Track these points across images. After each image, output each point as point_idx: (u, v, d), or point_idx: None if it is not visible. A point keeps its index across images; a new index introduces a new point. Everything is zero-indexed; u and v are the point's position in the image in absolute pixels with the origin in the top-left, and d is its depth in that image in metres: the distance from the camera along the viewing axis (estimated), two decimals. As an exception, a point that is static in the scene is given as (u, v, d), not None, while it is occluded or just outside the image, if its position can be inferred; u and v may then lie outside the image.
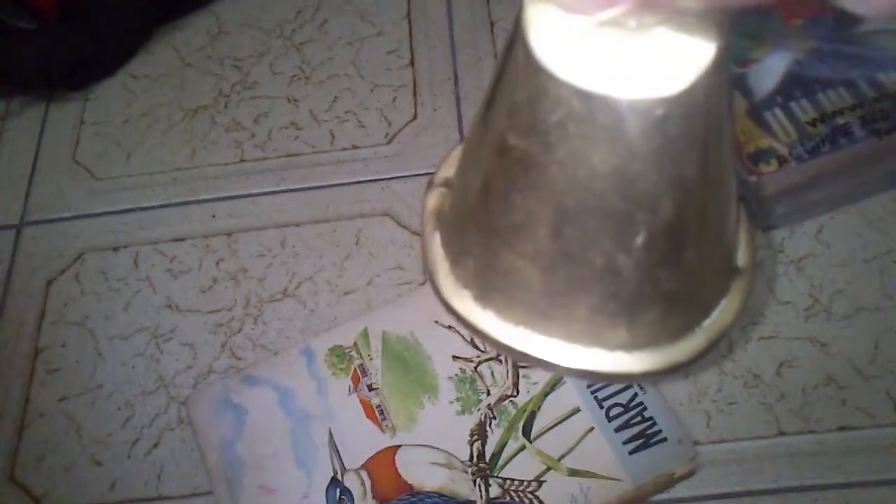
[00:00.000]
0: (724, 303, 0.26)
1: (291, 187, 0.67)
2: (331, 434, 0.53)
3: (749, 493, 0.51)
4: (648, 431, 0.51)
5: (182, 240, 0.65)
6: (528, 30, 0.19)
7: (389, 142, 0.68)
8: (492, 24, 0.73)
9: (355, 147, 0.68)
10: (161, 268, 0.64)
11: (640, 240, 0.22)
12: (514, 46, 0.20)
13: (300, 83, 0.72)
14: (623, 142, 0.19)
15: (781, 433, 0.53)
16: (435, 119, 0.69)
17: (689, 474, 0.51)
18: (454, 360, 0.54)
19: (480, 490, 0.50)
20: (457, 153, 0.28)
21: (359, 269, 0.62)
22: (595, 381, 0.26)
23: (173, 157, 0.70)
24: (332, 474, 0.51)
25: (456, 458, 0.51)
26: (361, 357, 0.55)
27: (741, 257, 0.27)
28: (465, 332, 0.52)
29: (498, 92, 0.23)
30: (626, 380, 0.28)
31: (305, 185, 0.67)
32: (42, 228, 0.67)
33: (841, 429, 0.53)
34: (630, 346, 0.25)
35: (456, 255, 0.27)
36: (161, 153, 0.70)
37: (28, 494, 0.56)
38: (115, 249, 0.65)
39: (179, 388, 0.59)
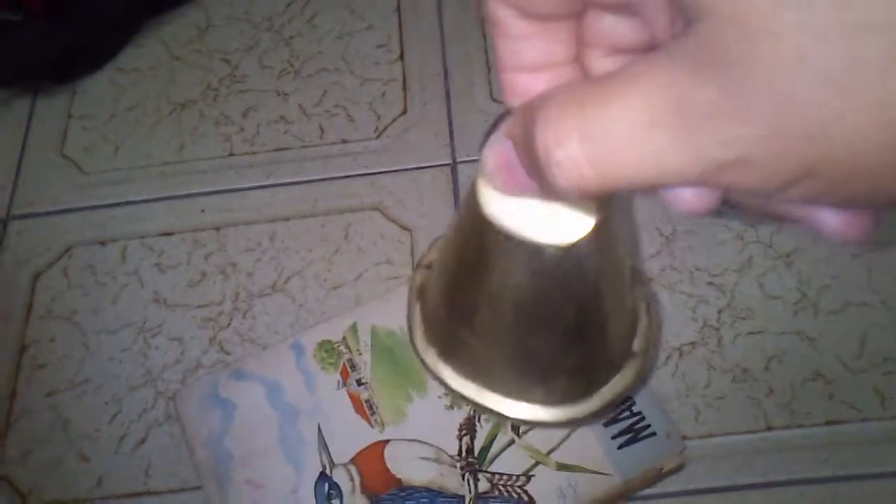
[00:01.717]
0: (618, 377, 0.35)
1: (280, 181, 0.66)
2: (319, 429, 0.52)
3: (737, 488, 0.51)
4: (637, 426, 0.51)
5: (170, 234, 0.65)
6: (479, 191, 0.27)
7: (379, 136, 0.68)
8: (482, 20, 0.73)
9: (344, 141, 0.68)
10: (149, 262, 0.64)
11: (550, 332, 0.31)
12: (470, 196, 0.28)
13: (289, 77, 0.72)
14: (535, 269, 0.27)
15: (769, 427, 0.53)
16: (424, 114, 0.69)
17: (678, 469, 0.52)
18: (443, 355, 0.54)
19: (469, 484, 0.50)
20: (440, 243, 0.36)
21: (348, 263, 0.62)
22: (525, 426, 0.40)
23: (161, 151, 0.69)
24: (320, 469, 0.51)
25: (445, 452, 0.51)
26: (350, 352, 0.55)
27: (637, 343, 0.36)
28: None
29: (461, 221, 0.30)
30: (544, 427, 0.39)
31: (294, 180, 0.66)
32: (29, 222, 0.67)
33: (828, 423, 0.53)
34: (545, 403, 0.35)
35: (428, 322, 0.36)
36: (149, 147, 0.70)
37: (14, 490, 0.56)
38: (103, 243, 0.65)
39: (167, 382, 0.58)
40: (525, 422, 0.35)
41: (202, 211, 0.66)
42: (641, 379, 0.36)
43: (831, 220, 0.21)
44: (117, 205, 0.67)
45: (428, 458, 0.51)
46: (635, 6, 0.20)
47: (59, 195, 0.68)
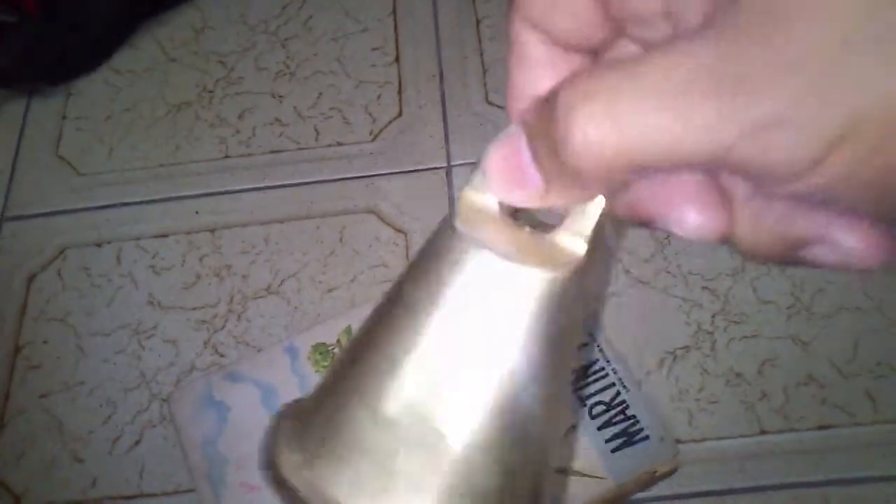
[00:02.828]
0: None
1: (275, 184, 0.66)
2: (314, 431, 0.52)
3: (730, 491, 0.52)
4: (631, 429, 0.51)
5: (165, 236, 0.65)
6: (457, 211, 0.24)
7: (374, 139, 0.68)
8: (477, 22, 0.73)
9: (340, 144, 0.68)
10: (144, 264, 0.64)
11: (475, 406, 0.24)
12: (442, 225, 0.25)
13: (285, 79, 0.72)
14: (494, 300, 0.23)
15: (763, 431, 0.53)
16: (420, 116, 0.69)
17: (671, 472, 0.52)
18: (438, 358, 0.54)
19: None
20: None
21: (343, 266, 0.62)
22: None
23: (156, 152, 0.69)
24: None
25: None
26: (345, 354, 0.55)
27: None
28: None
29: (418, 257, 0.26)
30: None
31: (289, 182, 0.66)
32: (23, 224, 0.67)
33: (821, 427, 0.53)
34: None
35: (301, 431, 0.27)
36: (144, 149, 0.70)
37: (8, 492, 0.55)
38: (98, 245, 0.65)
39: (161, 385, 0.58)
40: None
41: (197, 213, 0.66)
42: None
43: (848, 240, 0.20)
44: (112, 206, 0.67)
45: (422, 462, 0.51)
46: (672, 13, 0.20)
47: (54, 196, 0.68)
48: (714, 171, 0.20)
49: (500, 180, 0.23)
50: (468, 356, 0.24)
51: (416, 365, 0.24)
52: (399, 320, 0.25)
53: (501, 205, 0.24)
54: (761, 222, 0.21)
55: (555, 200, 0.23)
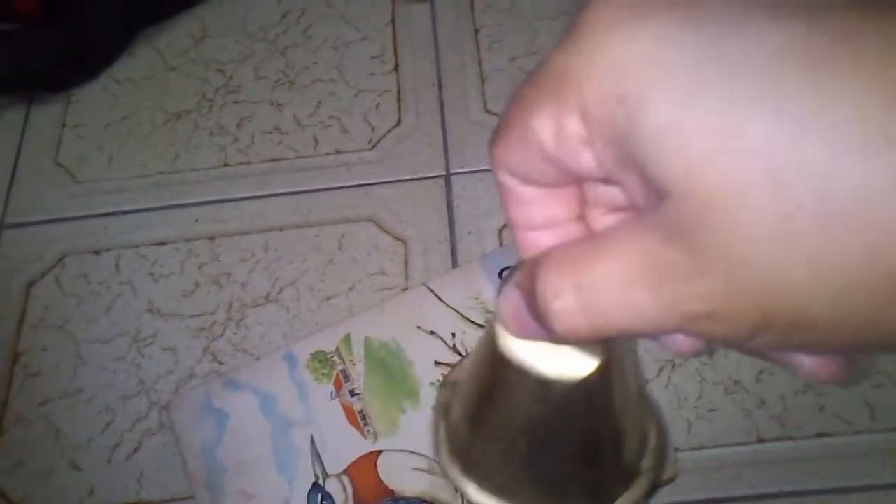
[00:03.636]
0: (626, 494, 0.38)
1: (274, 192, 0.67)
2: (312, 439, 0.53)
3: (729, 500, 0.52)
4: (629, 438, 0.51)
5: (164, 244, 0.65)
6: (497, 327, 0.30)
7: (373, 147, 0.68)
8: (476, 31, 0.73)
9: (339, 152, 0.68)
10: (143, 272, 0.64)
11: (560, 457, 0.34)
12: (489, 330, 0.31)
13: (284, 88, 0.72)
14: (544, 401, 0.30)
15: (761, 440, 0.53)
16: (419, 125, 0.69)
17: (670, 480, 0.52)
18: (436, 366, 0.54)
19: (462, 496, 0.50)
20: (465, 363, 0.39)
21: (341, 274, 0.62)
22: None
23: (156, 160, 0.69)
24: (313, 480, 0.51)
25: (437, 463, 0.51)
26: (344, 362, 0.55)
27: (645, 461, 0.38)
28: (447, 338, 0.57)
29: (482, 352, 0.33)
30: None
31: (288, 190, 0.67)
32: (23, 231, 0.67)
33: (819, 435, 0.53)
34: None
35: (451, 438, 0.39)
36: (143, 157, 0.70)
37: (6, 499, 0.55)
38: (97, 253, 0.65)
39: (160, 392, 0.58)
40: None
41: (196, 221, 0.66)
42: (649, 495, 0.39)
43: (806, 363, 0.24)
44: (111, 214, 0.67)
45: (421, 469, 0.51)
46: (616, 182, 0.23)
47: (53, 204, 0.68)
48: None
49: (513, 327, 0.27)
50: (540, 428, 0.32)
51: (510, 435, 0.34)
52: (489, 403, 0.33)
53: None
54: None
55: (558, 343, 0.26)
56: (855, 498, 0.51)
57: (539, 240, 0.26)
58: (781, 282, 0.19)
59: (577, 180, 0.25)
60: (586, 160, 0.22)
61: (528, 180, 0.25)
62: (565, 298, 0.22)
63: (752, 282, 0.19)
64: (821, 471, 0.52)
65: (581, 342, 0.25)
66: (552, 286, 0.23)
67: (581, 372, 0.29)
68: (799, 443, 0.53)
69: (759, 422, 0.54)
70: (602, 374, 0.29)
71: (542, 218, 0.26)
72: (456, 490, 0.40)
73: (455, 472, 0.38)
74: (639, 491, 0.37)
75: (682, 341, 0.25)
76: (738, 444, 0.53)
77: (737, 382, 0.55)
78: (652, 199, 0.21)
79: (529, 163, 0.24)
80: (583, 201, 0.26)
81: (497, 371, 0.31)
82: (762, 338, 0.20)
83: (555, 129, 0.22)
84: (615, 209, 0.26)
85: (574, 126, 0.22)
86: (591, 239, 0.23)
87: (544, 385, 0.29)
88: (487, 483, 0.37)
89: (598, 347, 0.29)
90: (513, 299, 0.26)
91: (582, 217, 0.26)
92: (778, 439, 0.53)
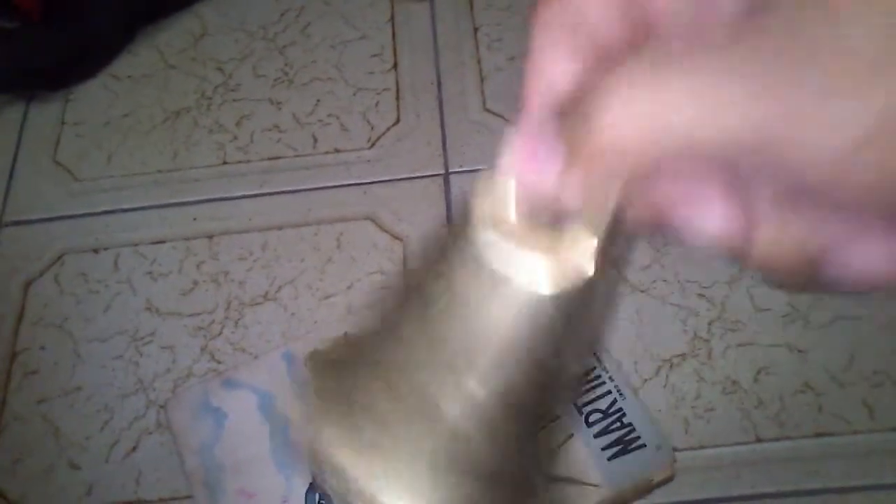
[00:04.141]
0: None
1: (273, 190, 0.67)
2: (310, 438, 0.52)
3: (727, 499, 0.52)
4: (627, 437, 0.51)
5: (162, 242, 0.65)
6: (473, 210, 0.24)
7: (372, 146, 0.68)
8: (475, 30, 0.73)
9: (337, 151, 0.68)
10: (141, 270, 0.64)
11: (477, 394, 0.26)
12: (460, 219, 0.25)
13: (283, 86, 0.72)
14: (498, 309, 0.24)
15: (759, 439, 0.53)
16: (417, 123, 0.69)
17: (668, 480, 0.52)
18: (435, 365, 0.54)
19: None
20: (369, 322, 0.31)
21: (340, 273, 0.62)
22: None
23: (155, 158, 0.69)
24: (311, 479, 0.51)
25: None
26: (342, 361, 0.55)
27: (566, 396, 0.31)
28: None
29: (435, 248, 0.27)
30: None
31: (287, 189, 0.67)
32: (21, 229, 0.67)
33: (818, 435, 0.53)
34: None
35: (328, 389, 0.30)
36: (142, 155, 0.70)
37: (4, 498, 0.55)
38: (96, 251, 0.65)
39: (159, 391, 0.58)
40: None
41: (195, 219, 0.66)
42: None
43: (873, 252, 0.20)
44: (110, 212, 0.67)
45: (419, 469, 0.51)
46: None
47: (52, 202, 0.68)
48: (739, 172, 0.20)
49: (520, 154, 0.22)
50: (471, 350, 0.25)
51: (426, 350, 0.26)
52: (417, 311, 0.26)
53: (516, 207, 0.24)
54: (785, 230, 0.20)
55: (571, 186, 0.22)
56: (854, 497, 0.51)
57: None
58: None
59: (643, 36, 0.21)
60: None
61: (567, 48, 0.22)
62: (641, 83, 0.18)
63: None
64: (820, 470, 0.52)
65: (607, 182, 0.21)
66: (627, 77, 0.19)
67: (555, 286, 0.24)
68: (797, 442, 0.53)
69: (757, 421, 0.54)
70: (571, 299, 0.24)
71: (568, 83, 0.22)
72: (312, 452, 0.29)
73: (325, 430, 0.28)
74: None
75: (714, 220, 0.20)
76: (737, 444, 0.53)
77: (735, 382, 0.55)
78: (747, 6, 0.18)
79: (576, 28, 0.21)
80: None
81: (444, 268, 0.25)
82: (883, 138, 0.16)
83: None
84: None
85: None
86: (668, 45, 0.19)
87: (505, 290, 0.24)
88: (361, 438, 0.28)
89: (590, 260, 0.24)
90: (532, 122, 0.22)
91: None
92: (776, 439, 0.53)
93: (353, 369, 0.29)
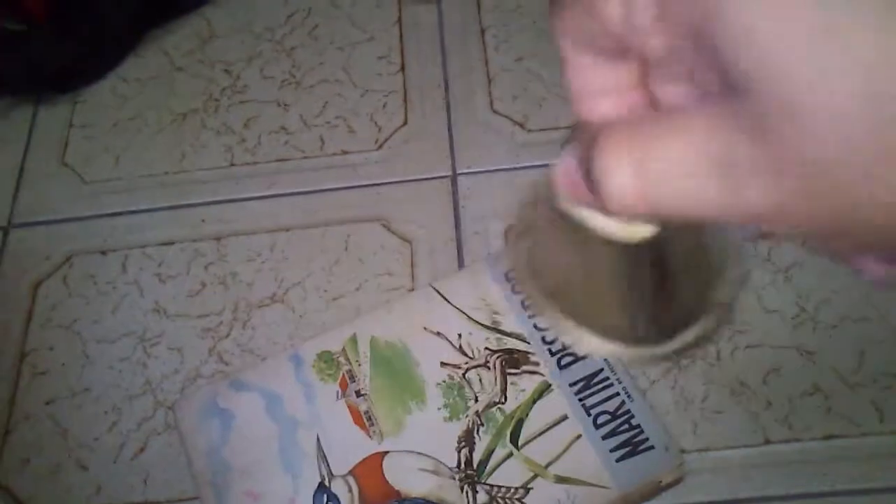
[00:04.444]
0: (699, 324, 0.36)
1: (281, 192, 0.67)
2: (318, 440, 0.53)
3: (736, 501, 0.51)
4: (636, 439, 0.51)
5: (171, 244, 0.65)
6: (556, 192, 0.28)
7: (379, 147, 0.68)
8: (482, 31, 0.73)
9: (345, 152, 0.68)
10: (149, 272, 0.64)
11: (637, 289, 0.32)
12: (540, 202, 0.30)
13: (290, 88, 0.72)
14: (612, 247, 0.29)
15: (768, 441, 0.53)
16: (425, 125, 0.69)
17: (676, 482, 0.52)
18: (442, 367, 0.54)
19: (468, 497, 0.50)
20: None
21: (348, 274, 0.62)
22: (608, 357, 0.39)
23: (162, 160, 0.69)
24: (319, 480, 0.51)
25: (443, 464, 0.51)
26: (350, 363, 0.55)
27: (720, 293, 0.36)
28: (453, 338, 0.57)
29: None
30: (623, 360, 0.39)
31: (295, 190, 0.67)
32: (30, 231, 0.67)
33: (827, 437, 0.53)
34: (642, 342, 0.35)
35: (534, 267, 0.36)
36: (150, 157, 0.70)
37: (13, 498, 0.56)
38: (104, 253, 0.65)
39: (167, 392, 0.58)
40: (604, 353, 0.36)
41: (203, 221, 0.66)
42: (721, 326, 0.36)
43: (872, 267, 0.23)
44: (118, 214, 0.67)
45: (427, 470, 0.51)
46: (685, 64, 0.22)
47: (60, 204, 0.68)
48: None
49: (565, 193, 0.26)
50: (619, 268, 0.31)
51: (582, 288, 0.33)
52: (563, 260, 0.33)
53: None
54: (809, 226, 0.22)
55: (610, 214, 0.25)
56: (863, 500, 0.51)
57: (599, 106, 0.26)
58: (866, 196, 0.18)
59: (641, 56, 0.24)
60: (653, 41, 0.22)
61: (589, 50, 0.24)
62: (623, 174, 0.22)
63: (830, 188, 0.18)
64: (829, 473, 0.52)
65: (633, 220, 0.25)
66: (612, 159, 0.22)
67: (637, 235, 0.28)
68: (806, 444, 0.53)
69: (765, 423, 0.54)
70: (658, 241, 0.29)
71: (602, 84, 0.25)
72: (523, 291, 0.37)
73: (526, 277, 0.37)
74: (716, 320, 0.36)
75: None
76: (745, 446, 0.53)
77: (743, 384, 0.55)
78: (726, 86, 0.20)
79: (592, 34, 0.23)
80: (644, 69, 0.25)
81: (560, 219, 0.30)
82: (831, 242, 0.20)
83: (624, 3, 0.21)
84: (678, 77, 0.24)
85: (645, 2, 0.21)
86: (657, 116, 0.22)
87: (603, 240, 0.29)
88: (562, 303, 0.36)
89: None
90: (569, 166, 0.25)
91: (644, 84, 0.25)
92: (785, 441, 0.53)
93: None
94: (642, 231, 0.28)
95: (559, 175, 0.26)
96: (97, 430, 0.58)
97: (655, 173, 0.21)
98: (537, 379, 0.53)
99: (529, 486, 0.50)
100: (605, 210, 0.24)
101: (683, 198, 0.21)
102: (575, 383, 0.53)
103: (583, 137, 0.24)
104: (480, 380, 0.54)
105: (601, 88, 0.25)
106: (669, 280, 0.33)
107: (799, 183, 0.19)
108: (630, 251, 0.29)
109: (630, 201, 0.22)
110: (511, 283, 0.58)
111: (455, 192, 0.65)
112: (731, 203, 0.20)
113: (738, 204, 0.20)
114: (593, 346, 0.35)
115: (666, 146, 0.21)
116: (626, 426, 0.51)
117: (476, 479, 0.51)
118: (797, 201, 0.19)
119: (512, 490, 0.50)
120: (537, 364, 0.54)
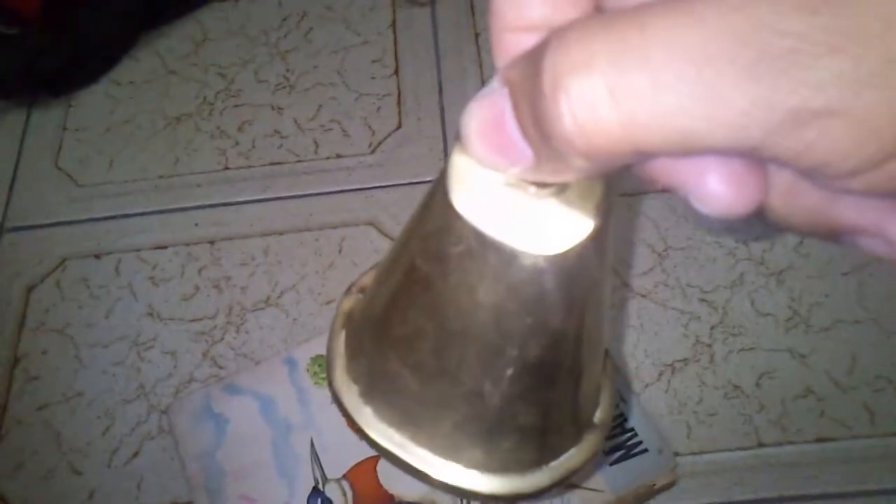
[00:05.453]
0: (573, 450, 0.29)
1: (275, 196, 0.67)
2: (312, 443, 0.53)
3: (728, 504, 0.52)
4: (629, 442, 0.51)
5: (164, 247, 0.65)
6: (449, 174, 0.22)
7: (373, 151, 0.68)
8: (476, 35, 0.74)
9: (339, 156, 0.68)
10: (143, 275, 0.64)
11: (506, 372, 0.24)
12: (437, 185, 0.23)
13: (284, 91, 0.72)
14: (505, 283, 0.22)
15: (761, 444, 0.53)
16: (419, 129, 0.69)
17: (670, 485, 0.52)
18: (436, 370, 0.54)
19: (461, 501, 0.50)
20: (379, 263, 0.31)
21: (342, 278, 0.62)
22: (447, 493, 0.30)
23: (156, 164, 0.69)
24: (313, 484, 0.51)
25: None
26: (344, 366, 0.55)
27: (599, 413, 0.30)
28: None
29: (417, 219, 0.26)
30: (473, 498, 0.29)
31: (289, 194, 0.67)
32: (23, 234, 0.67)
33: (819, 440, 0.53)
34: (484, 468, 0.28)
35: (354, 353, 0.30)
36: (144, 160, 0.70)
37: (6, 503, 0.55)
38: (97, 256, 0.65)
39: (160, 396, 0.58)
40: (453, 489, 0.28)
41: (196, 225, 0.66)
42: (597, 456, 0.30)
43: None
44: (111, 218, 0.67)
45: (420, 474, 0.51)
46: None
47: (54, 208, 0.68)
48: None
49: (480, 148, 0.19)
50: (488, 329, 0.24)
51: (441, 338, 0.25)
52: (419, 293, 0.25)
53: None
54: (796, 201, 0.18)
55: (548, 177, 0.19)
56: (855, 503, 0.51)
57: (531, 19, 0.19)
58: None
59: None
60: None
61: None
62: (591, 74, 0.15)
63: None
64: (821, 475, 0.52)
65: (586, 168, 0.17)
66: (572, 53, 0.15)
67: (561, 245, 0.21)
68: (799, 447, 0.53)
69: (759, 426, 0.54)
70: (585, 254, 0.22)
71: (541, 14, 0.19)
72: (350, 422, 0.29)
73: (352, 398, 0.29)
74: (588, 450, 0.29)
75: (716, 189, 0.17)
76: (738, 449, 0.53)
77: (736, 387, 0.55)
78: None
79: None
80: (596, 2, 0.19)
81: (437, 243, 0.23)
82: (891, 164, 0.14)
83: None
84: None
85: None
86: (636, 6, 0.15)
87: (506, 258, 0.21)
88: (394, 412, 0.28)
89: (588, 212, 0.22)
90: (490, 99, 0.18)
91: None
92: (778, 444, 0.53)
93: (372, 350, 0.29)
94: (568, 234, 0.21)
95: (474, 115, 0.19)
96: (90, 435, 0.57)
97: (643, 69, 0.14)
98: (531, 382, 0.53)
99: (523, 489, 0.50)
100: (545, 158, 0.17)
101: (687, 107, 0.14)
102: (569, 387, 0.53)
103: (517, 60, 0.18)
104: (474, 383, 0.54)
105: (539, 19, 0.19)
106: (569, 350, 0.25)
107: (878, 53, 0.13)
108: (540, 276, 0.22)
109: (599, 113, 0.15)
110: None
111: (449, 196, 0.65)
112: (757, 104, 0.14)
113: (771, 105, 0.14)
114: (430, 469, 0.28)
115: (658, 29, 0.14)
116: (620, 429, 0.51)
117: (470, 482, 0.51)
118: (867, 88, 0.13)
119: (506, 493, 0.50)
120: (531, 367, 0.54)
